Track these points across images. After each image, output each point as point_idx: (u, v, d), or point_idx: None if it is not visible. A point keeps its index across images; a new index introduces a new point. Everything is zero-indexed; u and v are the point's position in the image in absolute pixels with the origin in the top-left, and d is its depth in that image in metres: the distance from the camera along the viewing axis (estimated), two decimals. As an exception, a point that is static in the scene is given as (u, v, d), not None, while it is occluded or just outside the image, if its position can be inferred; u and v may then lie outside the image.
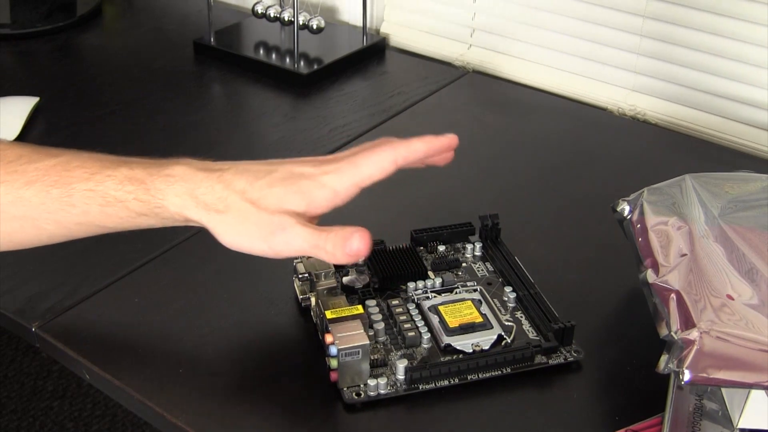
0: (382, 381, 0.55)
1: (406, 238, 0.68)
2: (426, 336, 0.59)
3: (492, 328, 0.59)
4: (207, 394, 0.56)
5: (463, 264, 0.66)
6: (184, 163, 0.55)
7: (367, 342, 0.55)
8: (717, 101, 0.91)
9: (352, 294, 0.62)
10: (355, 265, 0.65)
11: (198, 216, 0.54)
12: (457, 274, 0.65)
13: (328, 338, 0.55)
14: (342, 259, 0.52)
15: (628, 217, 0.61)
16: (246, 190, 0.54)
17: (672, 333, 0.50)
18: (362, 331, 0.55)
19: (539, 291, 0.62)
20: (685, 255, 0.55)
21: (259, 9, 1.04)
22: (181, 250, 0.69)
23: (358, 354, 0.54)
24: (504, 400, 0.56)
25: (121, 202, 0.55)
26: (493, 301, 0.62)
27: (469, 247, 0.67)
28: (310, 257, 0.63)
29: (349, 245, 0.52)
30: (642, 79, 0.94)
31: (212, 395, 0.56)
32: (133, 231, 0.68)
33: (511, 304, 0.62)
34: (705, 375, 0.48)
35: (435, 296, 0.62)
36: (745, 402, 0.50)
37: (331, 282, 0.62)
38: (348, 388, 0.55)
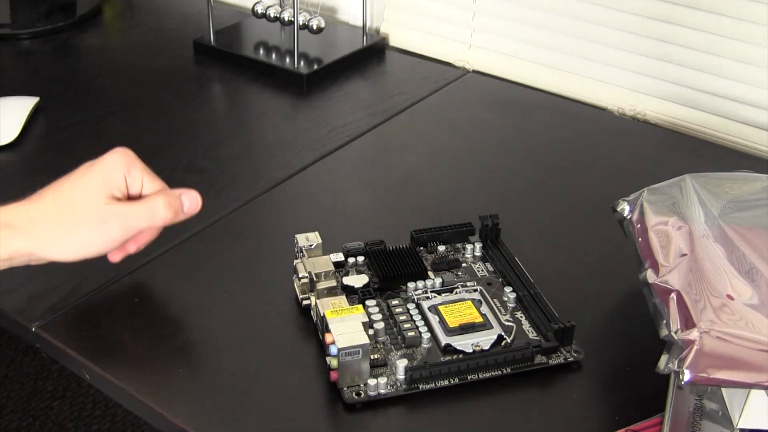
0: (382, 381, 0.55)
1: (406, 238, 0.68)
2: (426, 336, 0.59)
3: (492, 328, 0.59)
4: (207, 394, 0.56)
5: (463, 264, 0.66)
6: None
7: (367, 342, 0.55)
8: (717, 101, 0.91)
9: (352, 294, 0.62)
10: (356, 265, 0.65)
11: (21, 244, 0.57)
12: (457, 274, 0.65)
13: (328, 338, 0.55)
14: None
15: (628, 217, 0.61)
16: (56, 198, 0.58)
17: (672, 333, 0.50)
18: (362, 331, 0.55)
19: (539, 291, 0.62)
20: (685, 255, 0.55)
21: (259, 9, 1.04)
22: (181, 250, 0.69)
23: (358, 354, 0.54)
24: (504, 400, 0.56)
25: None
26: (493, 301, 0.62)
27: (469, 247, 0.67)
28: (311, 257, 0.63)
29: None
30: (642, 79, 0.94)
31: (212, 395, 0.56)
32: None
33: (511, 304, 0.62)
34: (705, 375, 0.48)
35: (435, 296, 0.62)
36: (745, 402, 0.50)
37: (331, 282, 0.62)
38: (348, 387, 0.55)
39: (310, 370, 0.58)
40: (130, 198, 0.60)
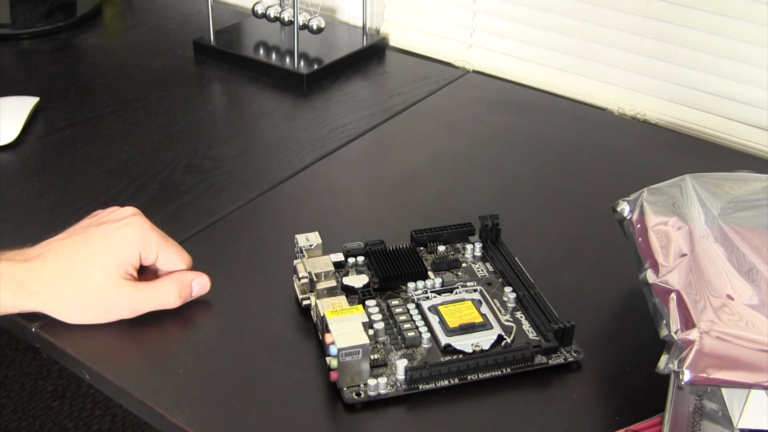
0: (382, 381, 0.55)
1: (406, 238, 0.68)
2: (426, 336, 0.59)
3: (492, 328, 0.59)
4: (207, 394, 0.56)
5: (463, 264, 0.66)
6: (5, 259, 0.59)
7: (367, 342, 0.55)
8: (717, 101, 0.91)
9: (352, 294, 0.62)
10: (356, 265, 0.65)
11: (33, 305, 0.59)
12: (457, 275, 0.65)
13: (328, 338, 0.55)
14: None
15: (628, 217, 0.61)
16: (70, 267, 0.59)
17: (672, 333, 0.50)
18: (362, 331, 0.55)
19: (539, 291, 0.62)
20: (685, 255, 0.55)
21: (259, 9, 1.04)
22: (181, 250, 0.69)
23: (358, 354, 0.54)
24: (504, 400, 0.56)
25: None
26: (493, 301, 0.62)
27: (469, 247, 0.67)
28: (311, 257, 0.63)
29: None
30: (642, 79, 0.94)
31: (212, 395, 0.56)
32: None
33: (511, 305, 0.62)
34: (705, 375, 0.48)
35: (435, 296, 0.62)
36: (745, 402, 0.50)
37: (331, 282, 0.62)
38: (348, 388, 0.55)
39: (310, 370, 0.58)
40: (142, 268, 0.62)
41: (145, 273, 0.63)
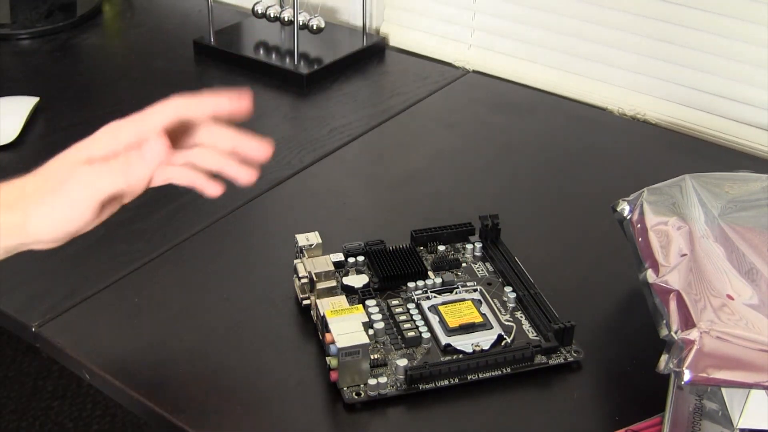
0: (383, 381, 0.55)
1: (406, 238, 0.68)
2: (426, 336, 0.59)
3: (492, 328, 0.59)
4: (207, 394, 0.56)
5: (463, 264, 0.66)
6: None
7: (367, 342, 0.55)
8: (717, 101, 0.91)
9: (352, 294, 0.62)
10: (356, 265, 0.65)
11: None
12: (457, 274, 0.65)
13: (328, 338, 0.55)
14: None
15: (628, 217, 0.61)
16: None
17: (672, 333, 0.50)
18: (362, 331, 0.55)
19: (539, 291, 0.62)
20: (685, 255, 0.55)
21: (259, 9, 1.04)
22: (181, 250, 0.69)
23: (358, 354, 0.54)
24: (504, 400, 0.56)
25: None
26: (493, 301, 0.62)
27: (469, 247, 0.67)
28: (311, 257, 0.63)
29: None
30: (642, 79, 0.94)
31: (212, 395, 0.56)
32: (133, 231, 0.67)
33: (511, 304, 0.62)
34: (705, 375, 0.48)
35: (435, 296, 0.62)
36: (745, 402, 0.50)
37: (331, 282, 0.62)
38: (348, 387, 0.55)
39: (310, 370, 0.58)
40: None
41: None
